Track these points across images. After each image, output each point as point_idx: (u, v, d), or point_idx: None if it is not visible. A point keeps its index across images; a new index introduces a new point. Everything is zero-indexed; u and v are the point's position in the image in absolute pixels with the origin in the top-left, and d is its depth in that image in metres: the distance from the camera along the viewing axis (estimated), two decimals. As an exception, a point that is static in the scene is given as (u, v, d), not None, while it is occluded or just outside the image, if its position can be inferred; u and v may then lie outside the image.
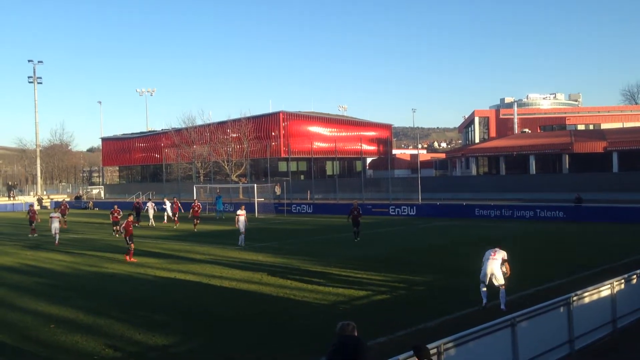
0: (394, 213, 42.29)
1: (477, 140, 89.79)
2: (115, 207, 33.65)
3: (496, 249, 13.50)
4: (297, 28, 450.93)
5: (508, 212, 37.24)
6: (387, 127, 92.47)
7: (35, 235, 33.10)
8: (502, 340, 8.67)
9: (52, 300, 15.46)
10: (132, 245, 22.68)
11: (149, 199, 49.82)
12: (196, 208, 36.01)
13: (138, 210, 38.60)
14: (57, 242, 28.81)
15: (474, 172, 72.44)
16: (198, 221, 35.33)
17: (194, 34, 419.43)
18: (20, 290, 17.02)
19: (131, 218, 23.75)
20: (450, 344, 7.82)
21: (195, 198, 41.49)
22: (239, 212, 27.42)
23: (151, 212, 39.35)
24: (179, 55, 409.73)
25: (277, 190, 54.69)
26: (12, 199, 71.84)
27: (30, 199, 71.19)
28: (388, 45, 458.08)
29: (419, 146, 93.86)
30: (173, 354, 10.72)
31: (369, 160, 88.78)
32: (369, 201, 46.79)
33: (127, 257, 22.29)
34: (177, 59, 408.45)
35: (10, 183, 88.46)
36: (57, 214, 31.03)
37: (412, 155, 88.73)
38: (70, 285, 17.90)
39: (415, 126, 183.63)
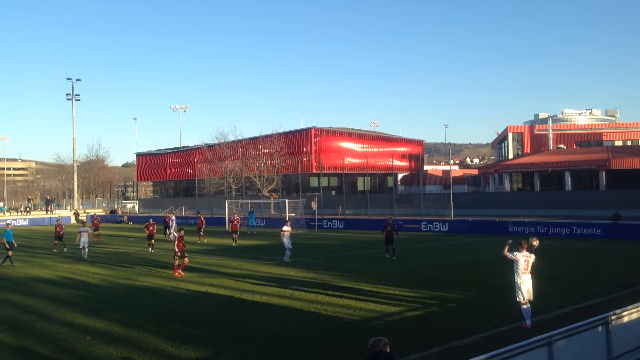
0: (425, 229, 41.93)
1: (510, 156, 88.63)
2: (150, 220, 34.19)
3: (529, 254, 13.04)
4: (329, 45, 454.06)
5: (543, 229, 36.54)
6: (419, 142, 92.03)
7: (59, 250, 33.06)
8: (538, 359, 8.49)
9: (88, 312, 15.73)
10: (186, 259, 22.98)
11: (171, 213, 50.91)
12: (235, 222, 35.76)
13: (167, 225, 39.17)
14: (87, 255, 28.78)
15: (507, 188, 71.45)
16: (237, 235, 35.34)
17: (227, 51, 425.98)
18: (56, 302, 17.36)
19: (182, 232, 23.83)
20: (484, 362, 7.69)
21: (234, 212, 41.32)
22: (284, 227, 26.63)
23: (173, 227, 39.42)
24: (212, 72, 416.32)
25: (314, 205, 54.66)
26: (49, 212, 73.48)
27: (67, 213, 72.86)
28: (420, 61, 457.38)
29: (451, 162, 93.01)
30: (205, 368, 10.79)
31: (400, 176, 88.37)
32: (401, 217, 46.50)
33: (176, 272, 22.41)
34: (210, 75, 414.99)
35: (48, 197, 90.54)
36: (87, 229, 30.41)
37: (444, 171, 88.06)
38: (105, 297, 18.19)
39: (447, 142, 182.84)
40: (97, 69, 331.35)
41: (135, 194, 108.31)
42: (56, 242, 34.01)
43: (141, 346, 12.20)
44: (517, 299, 13.08)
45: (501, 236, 36.21)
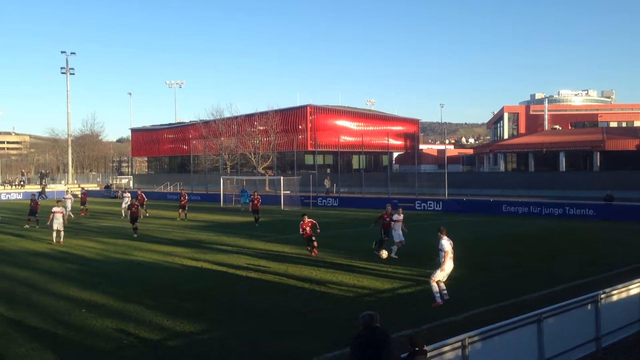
0: (419, 208, 42.10)
1: (505, 137, 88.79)
2: (134, 201, 31.41)
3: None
4: (325, 22, 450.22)
5: (536, 209, 36.77)
6: (415, 122, 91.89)
7: (32, 226, 31.99)
8: (527, 336, 8.65)
9: (83, 285, 15.84)
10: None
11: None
12: (255, 202, 32.88)
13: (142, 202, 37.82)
14: (59, 240, 25.06)
15: (502, 168, 71.67)
16: (259, 215, 33.05)
17: (223, 28, 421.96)
18: (52, 276, 17.46)
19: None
20: (475, 338, 7.83)
21: (255, 191, 37.32)
22: (396, 216, 21.05)
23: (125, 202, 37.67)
24: (207, 49, 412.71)
25: (327, 183, 54.43)
26: (44, 187, 73.29)
27: (61, 187, 72.68)
28: (416, 40, 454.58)
29: (447, 142, 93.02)
30: (200, 341, 10.93)
31: (395, 154, 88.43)
32: (395, 195, 46.64)
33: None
34: (206, 52, 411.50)
35: (42, 171, 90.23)
36: (61, 209, 25.94)
37: (439, 151, 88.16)
38: (101, 271, 18.30)
39: (443, 121, 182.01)
40: (92, 42, 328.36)
41: (130, 169, 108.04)
42: (30, 217, 32.80)
43: (137, 319, 12.33)
44: (435, 279, 13.37)
45: (495, 216, 36.49)
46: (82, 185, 77.16)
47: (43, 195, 34.91)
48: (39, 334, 11.38)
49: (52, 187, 71.13)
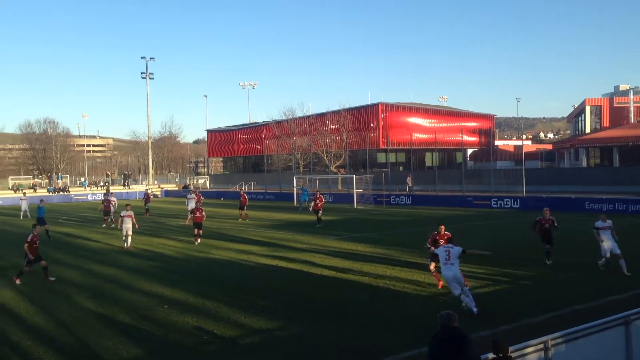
0: (496, 206, 40.98)
1: (587, 131, 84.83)
2: (199, 205, 31.48)
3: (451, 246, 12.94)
4: (396, 20, 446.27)
5: (622, 206, 34.93)
6: (490, 117, 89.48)
7: (108, 225, 33.42)
8: (614, 338, 8.24)
9: (165, 282, 16.45)
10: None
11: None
12: (317, 202, 32.04)
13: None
14: (128, 245, 24.00)
15: (584, 163, 68.56)
16: (320, 214, 32.11)
17: (295, 29, 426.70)
18: (136, 273, 18.24)
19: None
20: (559, 340, 7.56)
21: (317, 190, 37.38)
22: (599, 223, 17.07)
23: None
24: (280, 49, 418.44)
25: (409, 181, 53.96)
26: (127, 187, 76.70)
27: (142, 187, 75.79)
28: (490, 32, 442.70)
29: (524, 137, 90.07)
30: (276, 338, 11.10)
31: (469, 151, 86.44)
32: (470, 193, 45.63)
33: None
34: (278, 53, 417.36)
35: (125, 173, 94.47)
36: (130, 213, 24.62)
37: (515, 147, 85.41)
38: (181, 269, 18.95)
39: (519, 116, 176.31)
40: (170, 48, 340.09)
41: (206, 169, 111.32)
42: (105, 217, 34.72)
43: (215, 316, 12.68)
44: (455, 294, 12.50)
45: (577, 213, 34.98)
46: (163, 186, 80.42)
47: (108, 197, 36.31)
48: (125, 328, 11.91)
49: (134, 188, 74.24)
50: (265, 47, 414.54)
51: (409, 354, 9.72)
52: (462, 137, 61.22)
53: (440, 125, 77.97)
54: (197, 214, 25.65)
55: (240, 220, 35.29)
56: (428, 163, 77.41)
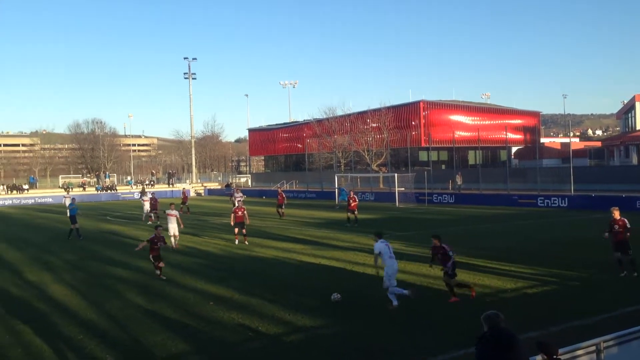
0: (542, 204, 40.08)
1: (638, 127, 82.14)
2: (241, 203, 31.25)
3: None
4: (438, 16, 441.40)
5: (675, 205, 33.72)
6: (535, 114, 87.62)
7: (154, 222, 33.07)
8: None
9: (210, 279, 16.71)
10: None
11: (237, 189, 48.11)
12: (351, 202, 31.70)
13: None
14: (175, 245, 23.49)
15: (634, 161, 66.40)
16: (356, 213, 31.85)
17: (335, 28, 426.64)
18: (182, 270, 18.57)
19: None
20: (611, 342, 7.37)
21: (351, 190, 37.32)
22: None
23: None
24: (320, 48, 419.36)
25: (459, 179, 53.34)
26: (171, 185, 78.16)
27: (186, 186, 77.13)
28: (535, 26, 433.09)
29: (571, 134, 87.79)
30: (320, 336, 11.14)
31: (514, 149, 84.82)
32: (515, 192, 44.76)
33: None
34: (319, 51, 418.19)
35: (170, 171, 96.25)
36: (175, 212, 24.42)
37: (562, 144, 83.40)
38: (225, 266, 19.21)
39: (566, 113, 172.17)
40: (212, 47, 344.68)
41: (248, 168, 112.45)
42: (151, 214, 35.53)
43: (260, 313, 12.81)
44: (385, 285, 13.27)
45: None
46: (206, 185, 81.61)
47: (145, 196, 37.04)
48: (172, 324, 12.15)
49: (178, 186, 75.57)
50: (306, 46, 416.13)
51: (454, 355, 9.61)
52: (506, 135, 60.18)
53: (484, 122, 76.75)
54: (239, 213, 25.20)
55: (279, 218, 35.59)
56: (471, 161, 76.34)
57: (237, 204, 33.12)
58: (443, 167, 73.17)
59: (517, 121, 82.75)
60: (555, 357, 6.18)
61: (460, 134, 69.86)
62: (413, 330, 11.33)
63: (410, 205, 44.82)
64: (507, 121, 77.02)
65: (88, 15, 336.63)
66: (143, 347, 10.70)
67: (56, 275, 18.30)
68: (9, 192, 69.90)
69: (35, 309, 13.83)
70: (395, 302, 13.05)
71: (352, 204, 31.43)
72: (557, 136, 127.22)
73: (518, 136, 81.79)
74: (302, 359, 9.95)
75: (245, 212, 25.37)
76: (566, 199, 39.53)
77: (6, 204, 63.07)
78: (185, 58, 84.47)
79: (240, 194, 39.24)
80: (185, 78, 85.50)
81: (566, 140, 74.64)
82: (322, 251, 21.57)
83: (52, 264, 20.57)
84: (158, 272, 17.14)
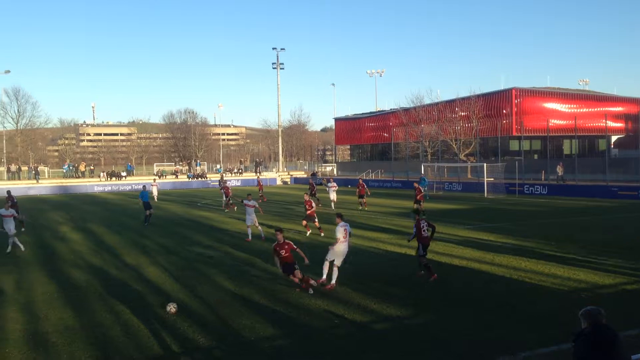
0: (646, 197, 37.68)
1: None
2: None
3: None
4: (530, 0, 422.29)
5: None
6: (638, 101, 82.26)
7: (231, 210, 35.04)
8: None
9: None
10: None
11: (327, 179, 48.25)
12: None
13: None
14: (247, 239, 22.88)
15: None
16: (422, 205, 32.04)
17: (421, 15, 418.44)
18: (268, 257, 18.92)
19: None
20: None
21: (415, 182, 36.41)
22: None
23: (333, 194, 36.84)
24: (407, 36, 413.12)
25: (560, 170, 51.35)
26: (259, 174, 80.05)
27: (273, 175, 78.67)
28: (635, 9, 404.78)
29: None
30: (406, 325, 11.04)
31: (614, 138, 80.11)
32: (615, 183, 42.34)
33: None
34: (406, 40, 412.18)
35: (257, 160, 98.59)
36: (253, 202, 23.40)
37: (669, 133, 77.90)
38: (309, 254, 19.34)
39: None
40: (299, 37, 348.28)
41: (333, 157, 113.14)
42: (227, 202, 36.33)
43: (346, 301, 12.86)
44: (326, 258, 14.63)
45: None
46: (292, 173, 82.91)
47: (221, 185, 38.24)
48: (260, 309, 12.44)
49: (265, 175, 77.24)
50: (393, 35, 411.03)
51: (548, 350, 9.23)
52: (605, 123, 56.88)
53: (581, 110, 72.93)
54: (308, 207, 24.68)
55: (360, 208, 35.22)
56: (566, 151, 72.93)
57: (334, 196, 35.46)
58: (535, 156, 70.34)
59: (618, 108, 78.07)
60: None
61: (554, 122, 66.83)
62: (502, 323, 10.99)
63: (499, 196, 43.49)
64: (606, 109, 72.81)
65: (180, 9, 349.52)
66: (233, 329, 11.03)
67: (152, 258, 19.21)
68: (109, 178, 74.02)
69: (132, 290, 14.58)
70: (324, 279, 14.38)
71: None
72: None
73: (618, 124, 77.17)
74: (388, 348, 9.90)
75: (313, 205, 25.03)
76: (672, 191, 36.95)
77: (106, 190, 67.04)
78: (273, 48, 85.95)
79: (333, 183, 39.06)
80: (274, 68, 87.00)
81: (673, 128, 69.44)
82: (406, 241, 21.29)
83: (148, 248, 21.60)
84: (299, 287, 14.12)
